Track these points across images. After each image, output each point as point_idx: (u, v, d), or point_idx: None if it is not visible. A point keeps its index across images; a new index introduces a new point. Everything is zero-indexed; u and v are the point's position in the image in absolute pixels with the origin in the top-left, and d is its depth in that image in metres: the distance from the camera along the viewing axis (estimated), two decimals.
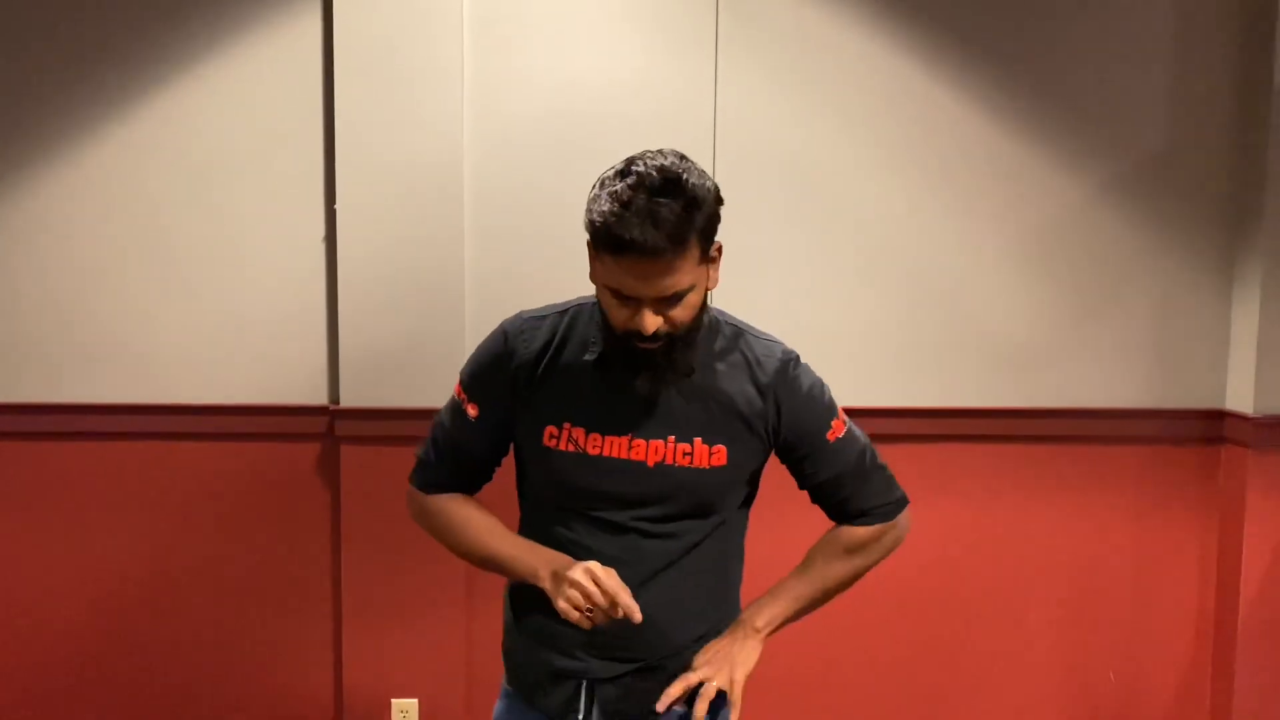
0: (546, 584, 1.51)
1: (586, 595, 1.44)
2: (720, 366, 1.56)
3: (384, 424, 2.58)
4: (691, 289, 1.44)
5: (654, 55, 2.60)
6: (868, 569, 1.68)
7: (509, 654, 1.70)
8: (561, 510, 1.60)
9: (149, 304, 2.62)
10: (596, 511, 1.57)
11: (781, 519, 2.78)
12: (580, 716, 1.59)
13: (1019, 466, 2.77)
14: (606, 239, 1.40)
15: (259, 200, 2.61)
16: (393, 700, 2.68)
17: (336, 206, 2.57)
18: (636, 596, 1.48)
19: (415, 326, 2.59)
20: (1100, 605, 2.83)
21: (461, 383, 1.64)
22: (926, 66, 2.65)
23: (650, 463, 1.54)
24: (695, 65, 2.61)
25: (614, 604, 1.44)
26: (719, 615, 1.66)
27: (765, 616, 1.62)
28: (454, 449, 1.66)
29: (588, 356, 1.55)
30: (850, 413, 2.63)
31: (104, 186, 2.59)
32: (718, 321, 1.60)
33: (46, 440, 2.65)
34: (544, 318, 1.62)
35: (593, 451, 1.54)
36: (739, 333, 1.60)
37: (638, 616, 1.43)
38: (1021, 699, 2.83)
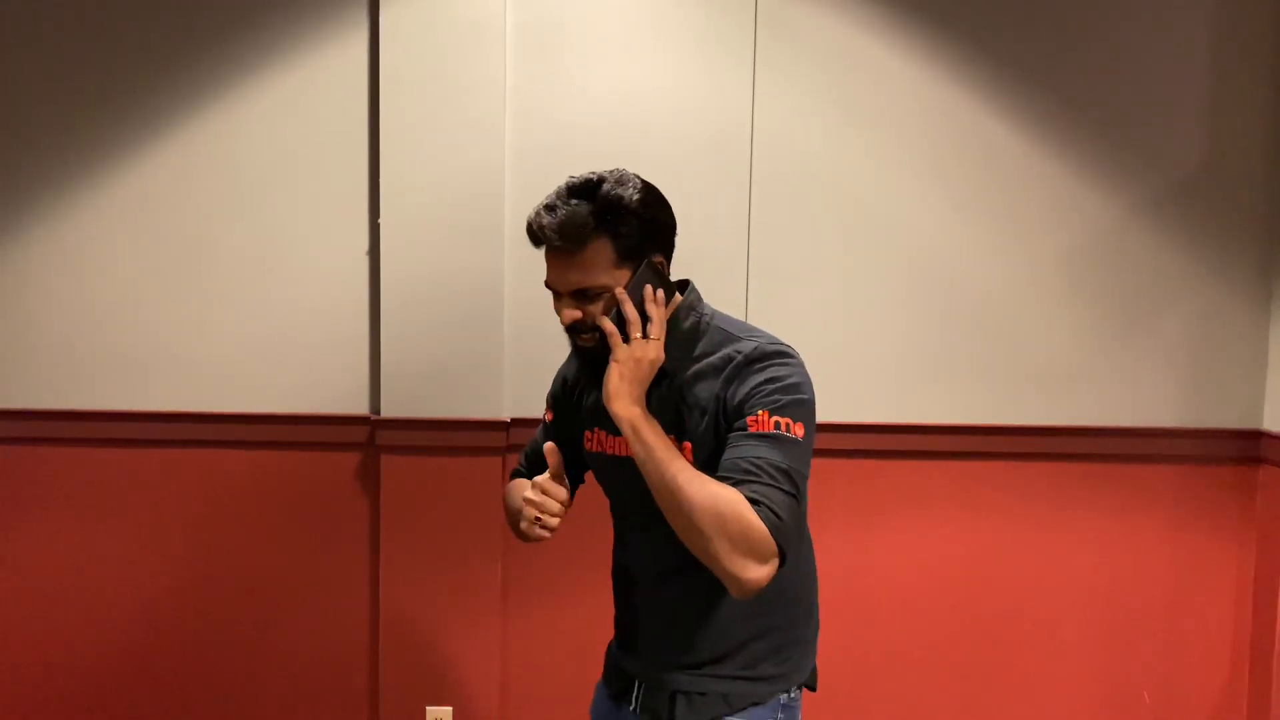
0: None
1: (532, 510, 1.58)
2: (697, 368, 1.58)
3: (424, 434, 2.62)
4: (603, 291, 1.54)
5: (693, 70, 2.63)
6: (691, 523, 1.39)
7: (608, 648, 1.86)
8: (614, 510, 1.77)
9: (195, 314, 2.67)
10: (629, 509, 1.71)
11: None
12: (631, 708, 1.70)
13: (1054, 485, 2.76)
14: (527, 232, 1.58)
15: (305, 213, 2.66)
16: (428, 708, 2.70)
17: (380, 220, 2.61)
18: (653, 595, 1.67)
19: (456, 338, 2.62)
20: (1135, 625, 2.81)
21: (547, 400, 1.88)
22: (962, 84, 2.66)
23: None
24: (734, 80, 2.64)
25: (544, 505, 1.57)
26: (762, 623, 1.63)
27: (641, 415, 1.49)
28: (535, 450, 1.88)
29: None
30: (884, 429, 2.68)
31: (152, 198, 2.65)
32: (709, 327, 1.62)
33: (93, 447, 2.71)
34: None
35: (610, 451, 1.67)
36: (728, 336, 1.60)
37: (560, 491, 1.58)
38: (1055, 718, 2.82)
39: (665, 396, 1.58)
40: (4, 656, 2.76)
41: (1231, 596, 2.81)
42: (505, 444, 2.65)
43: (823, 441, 2.67)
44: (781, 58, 2.64)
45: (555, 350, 2.67)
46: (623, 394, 1.50)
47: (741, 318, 2.63)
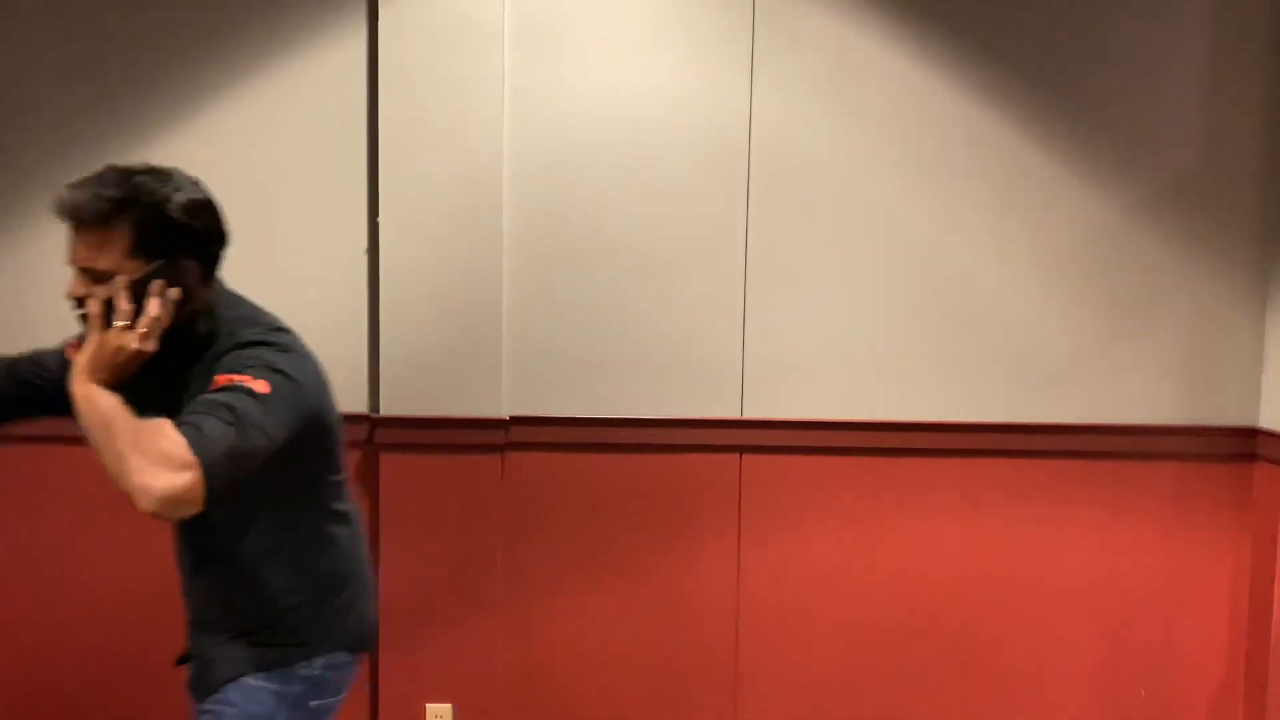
0: None
1: None
2: (201, 366, 1.58)
3: (422, 433, 2.63)
4: (113, 276, 1.52)
5: (691, 70, 2.64)
6: (114, 451, 1.43)
7: None
8: None
9: None
10: None
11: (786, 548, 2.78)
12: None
13: (1050, 482, 2.77)
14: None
15: (303, 212, 2.66)
16: (427, 705, 2.71)
17: (379, 219, 2.62)
18: (196, 574, 1.76)
19: (455, 337, 2.63)
20: (1131, 622, 2.82)
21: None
22: (959, 83, 2.67)
23: None
24: (732, 77, 2.64)
25: None
26: (255, 616, 1.70)
27: (96, 389, 1.51)
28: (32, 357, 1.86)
29: None
30: (880, 426, 2.69)
31: None
32: (222, 329, 1.63)
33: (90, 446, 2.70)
34: None
35: None
36: (235, 336, 1.61)
37: None
38: (1051, 715, 2.83)
39: (168, 387, 1.59)
40: (2, 655, 2.76)
41: (1227, 592, 2.82)
42: (504, 441, 2.65)
43: (822, 438, 2.71)
44: (779, 56, 2.65)
45: (554, 348, 2.69)
46: (81, 373, 1.50)
47: (739, 314, 2.68)
